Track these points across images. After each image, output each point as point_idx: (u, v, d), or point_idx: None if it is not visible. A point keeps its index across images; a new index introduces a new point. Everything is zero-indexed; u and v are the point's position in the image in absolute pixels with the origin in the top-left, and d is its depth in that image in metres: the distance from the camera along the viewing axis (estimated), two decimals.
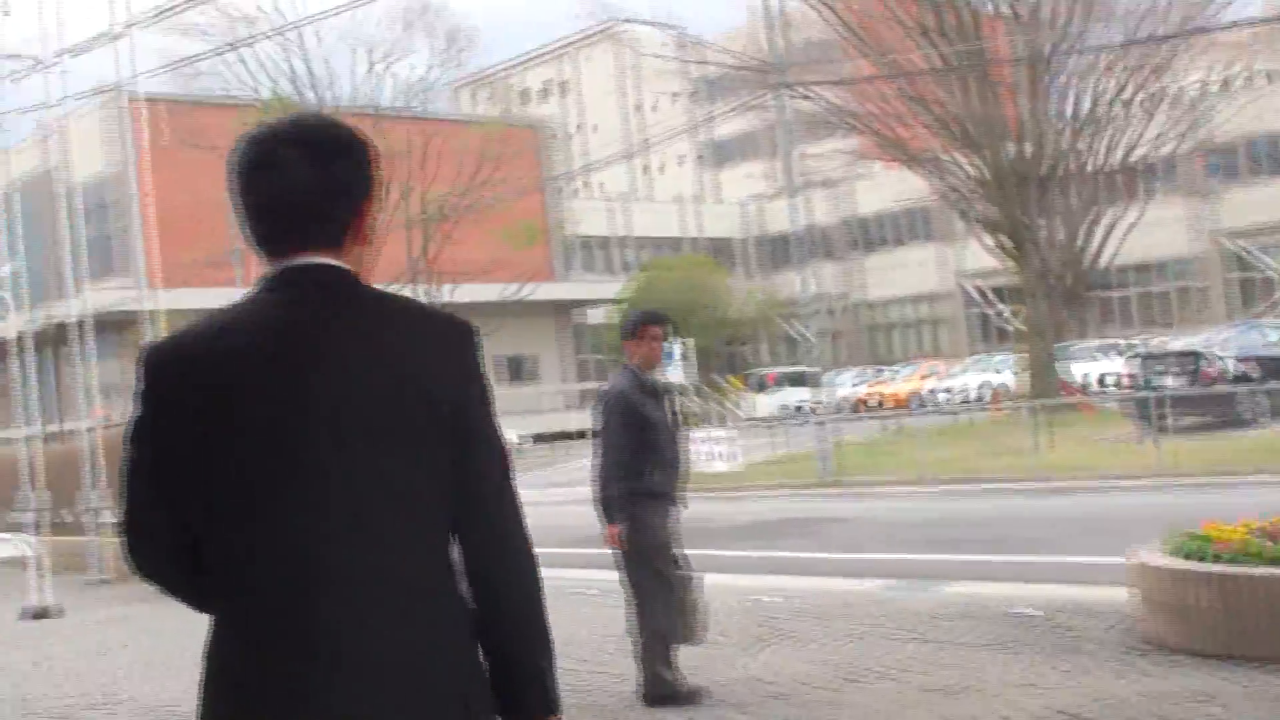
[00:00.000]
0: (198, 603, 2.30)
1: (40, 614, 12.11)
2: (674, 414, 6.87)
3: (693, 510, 7.39)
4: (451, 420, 2.21)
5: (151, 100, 48.30)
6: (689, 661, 7.08)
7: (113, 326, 46.05)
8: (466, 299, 43.84)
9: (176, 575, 2.31)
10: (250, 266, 43.10)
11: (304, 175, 2.24)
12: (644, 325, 6.86)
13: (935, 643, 7.91)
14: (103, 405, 46.73)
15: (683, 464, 6.94)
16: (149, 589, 2.43)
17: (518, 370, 57.07)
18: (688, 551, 7.05)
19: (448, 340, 2.28)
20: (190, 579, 2.28)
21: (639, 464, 6.63)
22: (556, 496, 19.36)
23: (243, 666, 2.16)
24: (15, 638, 11.42)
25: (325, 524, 2.14)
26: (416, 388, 2.19)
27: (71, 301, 42.90)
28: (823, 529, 15.72)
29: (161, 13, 22.65)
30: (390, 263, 38.54)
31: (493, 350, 39.01)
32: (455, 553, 2.25)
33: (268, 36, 37.14)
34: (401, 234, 38.69)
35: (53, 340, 47.72)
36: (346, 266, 2.28)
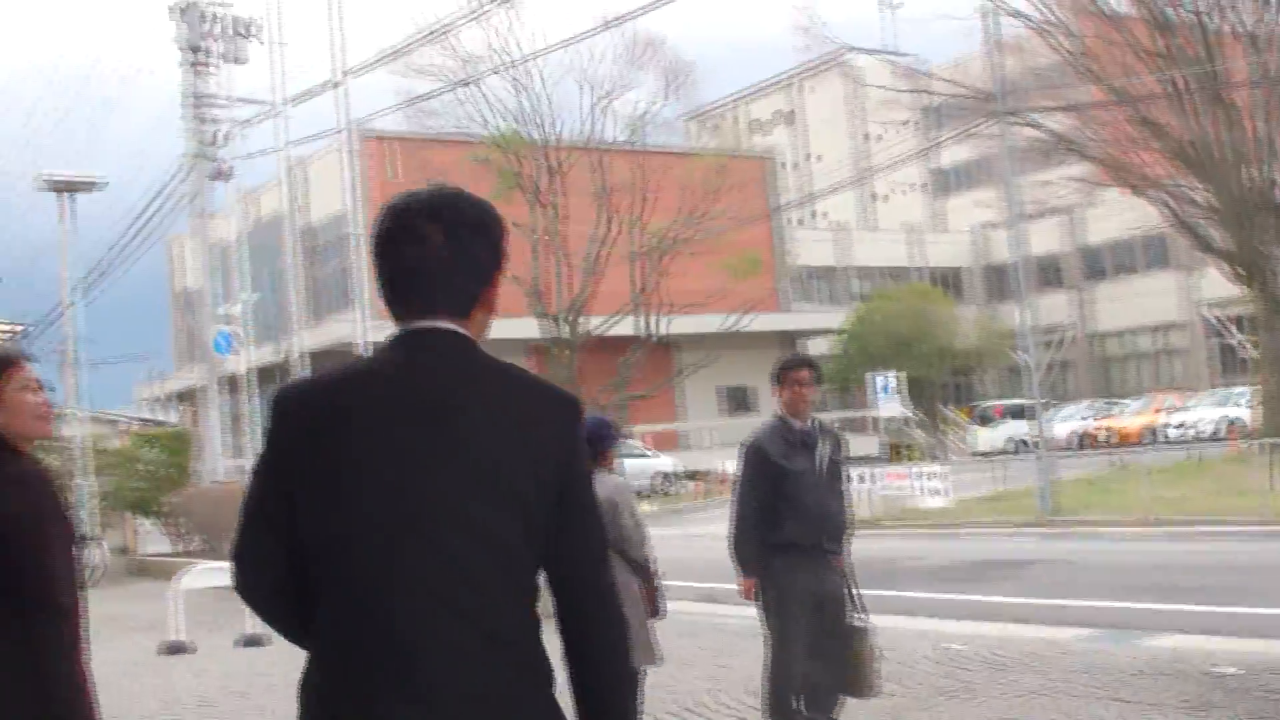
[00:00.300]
0: (296, 636, 2.46)
1: (251, 641, 12.58)
2: (829, 461, 6.53)
3: (899, 548, 7.20)
4: (558, 489, 2.36)
5: (383, 139, 50.33)
6: (858, 715, 6.91)
7: (343, 358, 48.01)
8: (689, 329, 44.11)
9: (277, 607, 2.49)
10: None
11: (440, 249, 2.40)
12: (785, 371, 6.61)
13: (1124, 702, 7.54)
14: None
15: (832, 513, 6.51)
16: None
17: (739, 401, 57.08)
18: (880, 593, 6.82)
19: (559, 414, 2.42)
20: (290, 612, 2.44)
21: (774, 515, 6.44)
22: None
23: (334, 702, 2.29)
24: (217, 664, 11.93)
25: (421, 571, 2.27)
26: (528, 454, 2.33)
27: (298, 337, 44.80)
28: (1030, 571, 15.18)
29: (385, 56, 23.49)
30: (614, 295, 39.08)
31: (714, 381, 39.31)
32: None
33: (495, 72, 38.15)
34: (625, 267, 39.19)
35: (281, 374, 50.02)
36: (467, 333, 2.43)
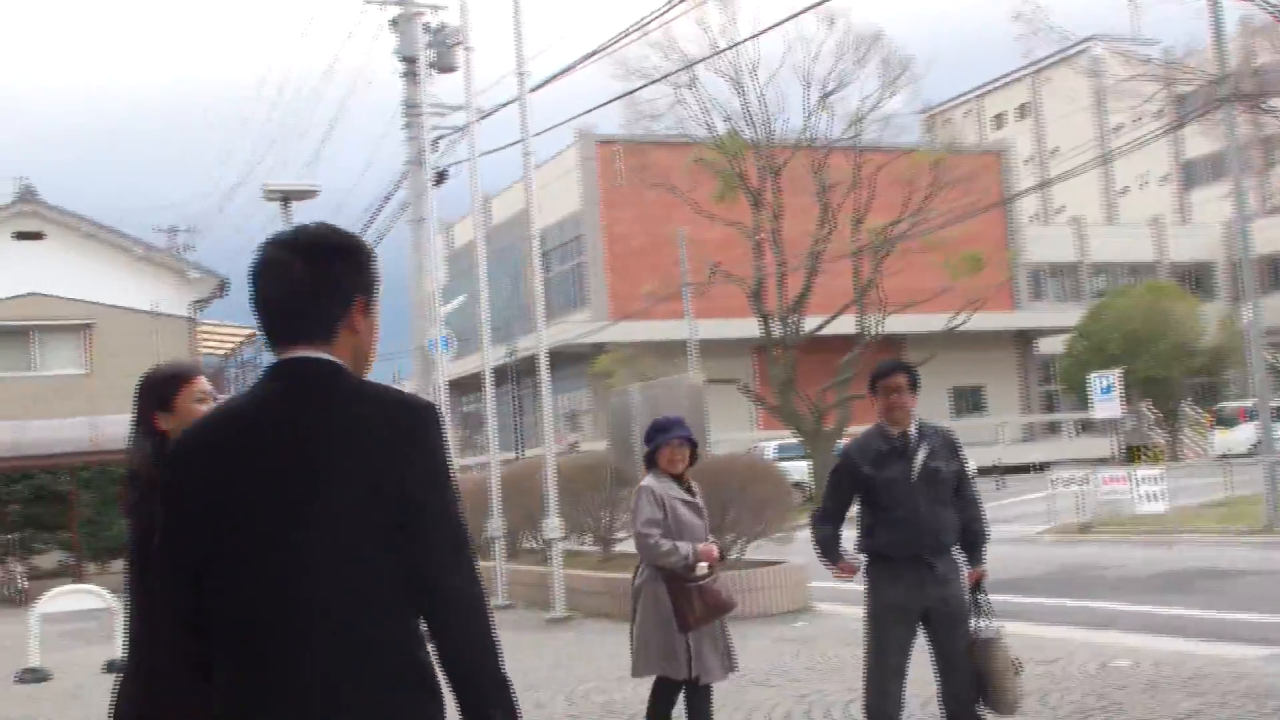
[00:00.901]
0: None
1: None
2: (928, 468, 6.13)
3: (1101, 555, 6.81)
4: (400, 495, 2.44)
5: (608, 142, 50.98)
6: None
7: (572, 359, 48.78)
8: (915, 328, 43.30)
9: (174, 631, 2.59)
10: (695, 301, 44.57)
11: (299, 278, 2.57)
12: (878, 378, 6.32)
13: None
14: (564, 433, 49.50)
15: (928, 523, 6.12)
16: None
17: (970, 402, 55.74)
18: (1065, 602, 6.48)
19: (400, 423, 2.51)
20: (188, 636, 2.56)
21: (869, 525, 6.25)
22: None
23: (232, 714, 2.46)
24: None
25: (286, 593, 2.42)
26: (371, 467, 2.45)
27: (532, 336, 45.54)
28: (1236, 584, 14.28)
29: (589, 56, 23.69)
30: (836, 295, 38.63)
31: (944, 381, 38.27)
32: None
33: (713, 72, 38.18)
34: (846, 265, 38.73)
35: (520, 373, 51.12)
36: (333, 358, 2.57)
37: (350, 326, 2.61)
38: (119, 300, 30.83)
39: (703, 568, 6.63)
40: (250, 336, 37.92)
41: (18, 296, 30.24)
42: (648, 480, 6.88)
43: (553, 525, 15.07)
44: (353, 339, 2.62)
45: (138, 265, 31.40)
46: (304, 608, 2.41)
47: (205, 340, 37.70)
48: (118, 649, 12.59)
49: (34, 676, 12.40)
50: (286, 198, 24.31)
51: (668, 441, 6.86)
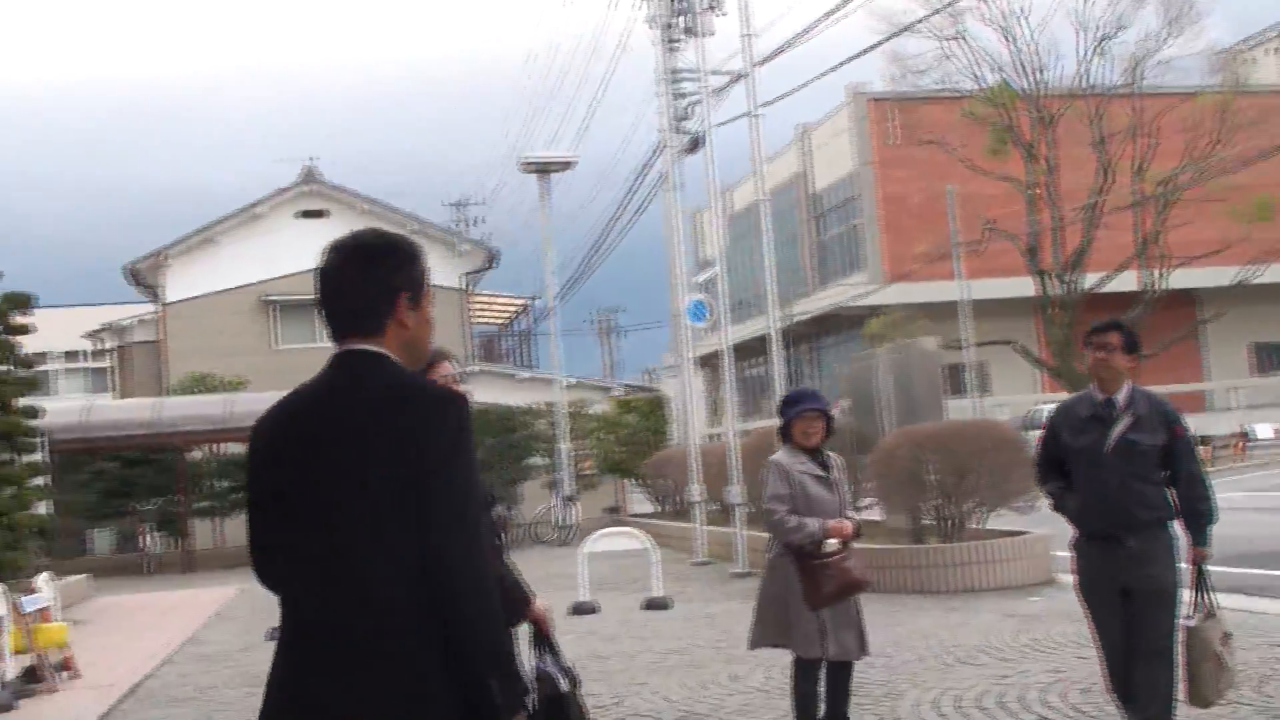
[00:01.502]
0: None
1: (654, 605, 12.90)
2: (1124, 440, 5.75)
3: None
4: (414, 475, 2.70)
5: (880, 100, 49.99)
6: None
7: (847, 322, 48.21)
8: (1211, 282, 40.91)
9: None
10: (972, 261, 43.24)
11: (347, 278, 2.95)
12: (1091, 334, 5.96)
13: None
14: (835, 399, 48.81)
15: (1117, 498, 5.73)
16: None
17: (1273, 358, 52.33)
18: None
19: (419, 411, 2.78)
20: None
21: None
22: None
23: (276, 681, 2.82)
24: (615, 628, 12.34)
25: (315, 564, 2.76)
26: (389, 449, 2.73)
27: (808, 300, 45.19)
28: None
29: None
30: (1117, 248, 36.92)
31: (1239, 337, 36.00)
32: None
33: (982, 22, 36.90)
34: (1129, 217, 36.93)
35: (797, 338, 50.85)
36: (380, 350, 2.89)
37: (398, 321, 2.91)
38: None
39: (832, 544, 6.43)
40: (524, 307, 39.01)
41: (303, 272, 31.84)
42: (778, 455, 6.71)
43: (734, 492, 15.46)
44: (401, 332, 2.92)
45: (413, 239, 32.57)
46: (327, 566, 2.72)
47: (479, 311, 38.96)
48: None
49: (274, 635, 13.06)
50: (544, 169, 24.78)
51: (800, 414, 6.65)
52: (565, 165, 24.88)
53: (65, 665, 11.08)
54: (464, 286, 33.13)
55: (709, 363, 63.59)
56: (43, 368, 40.53)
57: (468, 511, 2.74)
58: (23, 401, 19.47)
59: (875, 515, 16.79)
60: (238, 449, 27.28)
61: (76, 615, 16.94)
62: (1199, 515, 5.84)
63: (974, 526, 13.95)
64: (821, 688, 6.62)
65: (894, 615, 11.69)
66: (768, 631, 6.67)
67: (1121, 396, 5.84)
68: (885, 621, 11.27)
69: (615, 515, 27.33)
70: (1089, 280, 37.34)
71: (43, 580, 11.68)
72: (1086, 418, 5.88)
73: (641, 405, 28.76)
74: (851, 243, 56.24)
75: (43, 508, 19.63)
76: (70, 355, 41.21)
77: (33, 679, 10.60)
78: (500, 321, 43.72)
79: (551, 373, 34.48)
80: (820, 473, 6.61)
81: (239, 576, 15.88)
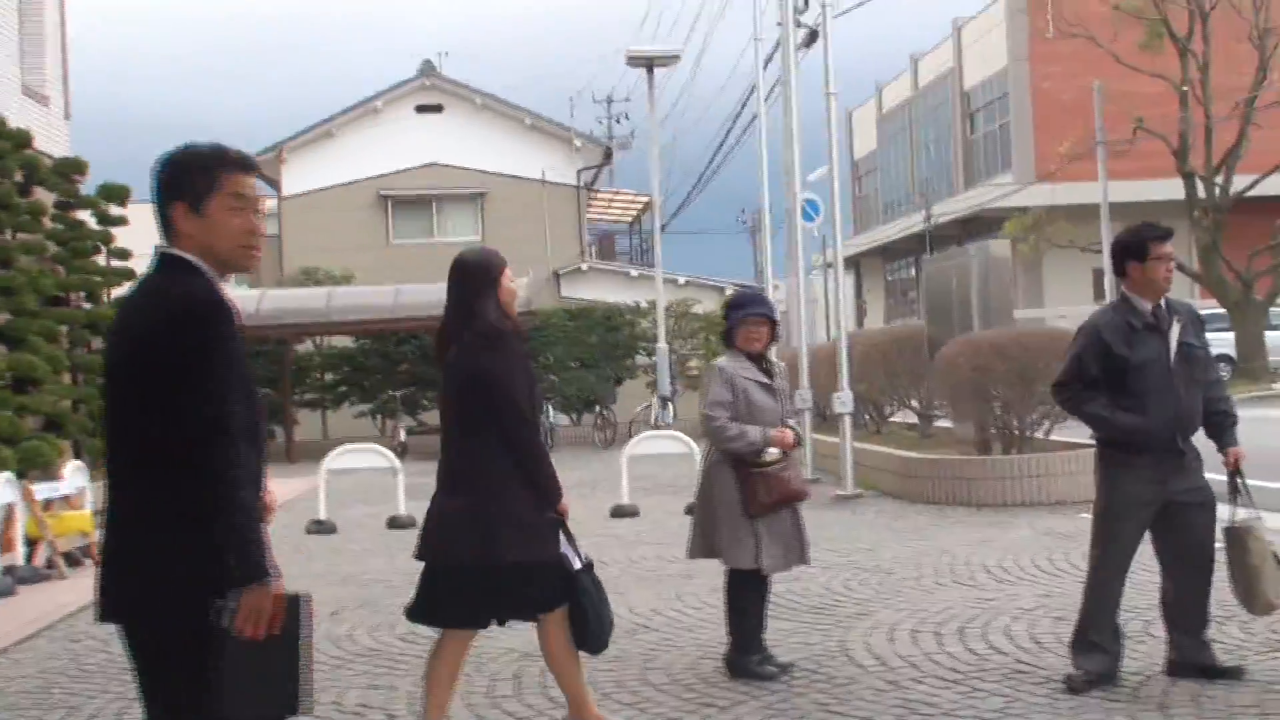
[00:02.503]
0: None
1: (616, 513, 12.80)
2: (1183, 346, 5.64)
3: None
4: (157, 369, 3.09)
5: None
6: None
7: (992, 223, 46.68)
8: None
9: None
10: (1121, 161, 41.23)
11: (153, 187, 3.33)
12: (1147, 241, 5.71)
13: None
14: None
15: (1187, 408, 5.67)
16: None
17: None
18: None
19: (149, 314, 3.18)
20: None
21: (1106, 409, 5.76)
22: None
23: None
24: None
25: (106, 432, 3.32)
26: (138, 344, 3.17)
27: (953, 201, 43.72)
28: None
29: None
30: (1273, 150, 34.84)
31: None
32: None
33: None
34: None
35: (939, 239, 49.44)
36: (175, 253, 3.26)
37: (179, 230, 3.25)
38: (511, 169, 31.96)
39: (773, 453, 6.19)
40: (648, 205, 38.47)
41: (420, 167, 31.96)
42: (722, 360, 6.49)
43: (843, 399, 14.36)
44: (187, 240, 3.25)
45: (528, 134, 32.42)
46: (108, 445, 3.25)
47: (603, 208, 38.66)
48: (400, 506, 13.16)
49: (320, 528, 13.07)
50: (650, 64, 24.18)
51: (744, 319, 6.35)
52: (671, 58, 24.22)
53: (89, 552, 11.23)
54: (580, 183, 32.83)
55: (854, 264, 62.50)
56: None
57: (207, 407, 3.05)
58: (118, 292, 19.86)
59: (946, 424, 16.18)
60: (344, 342, 27.61)
61: None
62: (1229, 415, 5.84)
63: (1039, 437, 13.27)
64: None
65: (925, 529, 11.21)
66: (705, 542, 6.39)
67: (1164, 305, 5.72)
68: (912, 535, 10.82)
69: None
70: (1240, 182, 35.31)
71: (70, 469, 11.82)
72: (1140, 329, 5.66)
73: None
74: (1001, 142, 54.28)
75: None
76: None
77: (51, 566, 10.78)
78: (628, 219, 43.33)
79: (668, 271, 34.12)
80: (764, 380, 6.34)
81: None
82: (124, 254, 20.28)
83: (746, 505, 6.14)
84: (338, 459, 13.75)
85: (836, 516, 12.42)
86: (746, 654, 6.24)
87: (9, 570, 9.98)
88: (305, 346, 26.98)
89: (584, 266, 32.38)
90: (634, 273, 30.03)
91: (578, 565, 5.04)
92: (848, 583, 8.60)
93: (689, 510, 7.46)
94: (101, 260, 19.53)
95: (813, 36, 26.29)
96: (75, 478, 11.73)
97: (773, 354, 6.69)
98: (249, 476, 3.12)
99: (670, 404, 23.93)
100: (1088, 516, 11.68)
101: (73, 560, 11.05)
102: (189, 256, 3.20)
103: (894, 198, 65.32)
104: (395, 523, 13.07)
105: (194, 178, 3.23)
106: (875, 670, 6.22)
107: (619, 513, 13.05)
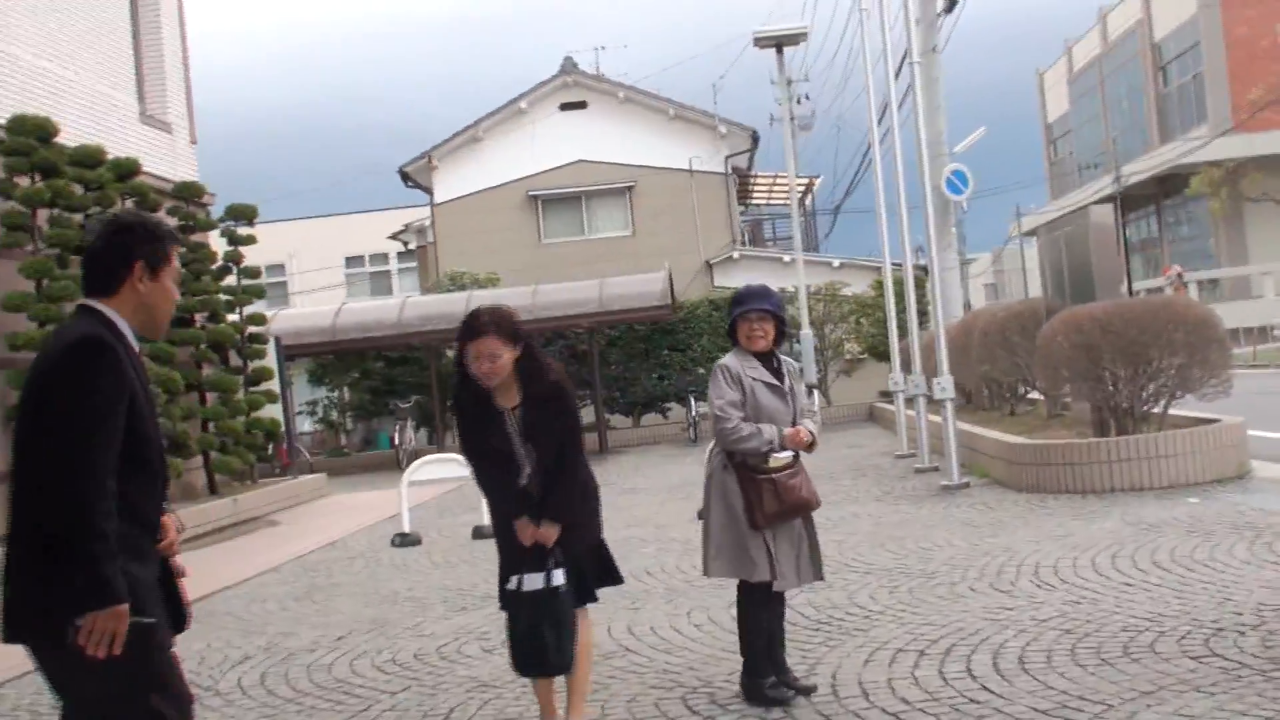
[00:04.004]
0: None
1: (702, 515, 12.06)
2: None
3: None
4: (42, 405, 3.34)
5: None
6: None
7: (1184, 180, 44.28)
8: None
9: None
10: None
11: (94, 247, 3.62)
12: None
13: None
14: (1170, 263, 45.29)
15: None
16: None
17: None
18: None
19: (51, 353, 3.41)
20: None
21: None
22: None
23: None
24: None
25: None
26: (33, 385, 3.40)
27: (1144, 160, 41.58)
28: None
29: None
30: None
31: None
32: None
33: None
34: None
35: (1137, 200, 47.15)
36: (96, 306, 3.51)
37: (128, 284, 3.53)
38: (657, 161, 31.59)
39: (783, 457, 5.72)
40: (810, 185, 37.64)
41: (566, 165, 31.84)
42: (726, 358, 5.92)
43: (942, 384, 13.52)
44: (139, 296, 3.53)
45: (671, 125, 31.97)
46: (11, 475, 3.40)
47: (762, 192, 37.92)
48: (484, 516, 12.88)
49: (405, 541, 12.91)
50: (779, 44, 23.51)
51: (743, 315, 5.83)
52: (799, 37, 23.49)
53: None
54: (728, 170, 32.20)
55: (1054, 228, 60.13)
56: (356, 270, 42.51)
57: (70, 441, 3.24)
58: (250, 309, 20.20)
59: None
60: None
61: (281, 516, 17.56)
62: None
63: (1155, 411, 12.24)
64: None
65: (1008, 522, 10.41)
66: (725, 558, 5.81)
67: None
68: (990, 531, 10.06)
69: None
70: None
71: None
72: None
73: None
74: (1194, 94, 51.44)
75: (275, 411, 20.34)
76: (374, 258, 42.97)
77: None
78: (785, 202, 42.48)
79: (826, 254, 33.27)
80: (772, 380, 5.83)
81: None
82: (253, 272, 20.63)
83: (752, 515, 5.65)
84: (420, 470, 13.55)
85: (928, 511, 11.66)
86: (757, 676, 5.71)
87: None
88: (450, 351, 27.13)
89: (735, 254, 31.77)
90: (788, 258, 29.25)
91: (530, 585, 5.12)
92: (875, 592, 7.93)
93: (700, 515, 6.94)
94: (231, 279, 19.89)
95: (952, 3, 25.23)
96: None
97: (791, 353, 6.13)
98: (120, 505, 3.29)
99: (814, 391, 23.19)
100: (1195, 501, 10.77)
101: None
102: (102, 309, 3.49)
103: (1088, 160, 62.64)
104: (479, 533, 12.85)
105: (155, 244, 3.57)
106: (821, 702, 5.60)
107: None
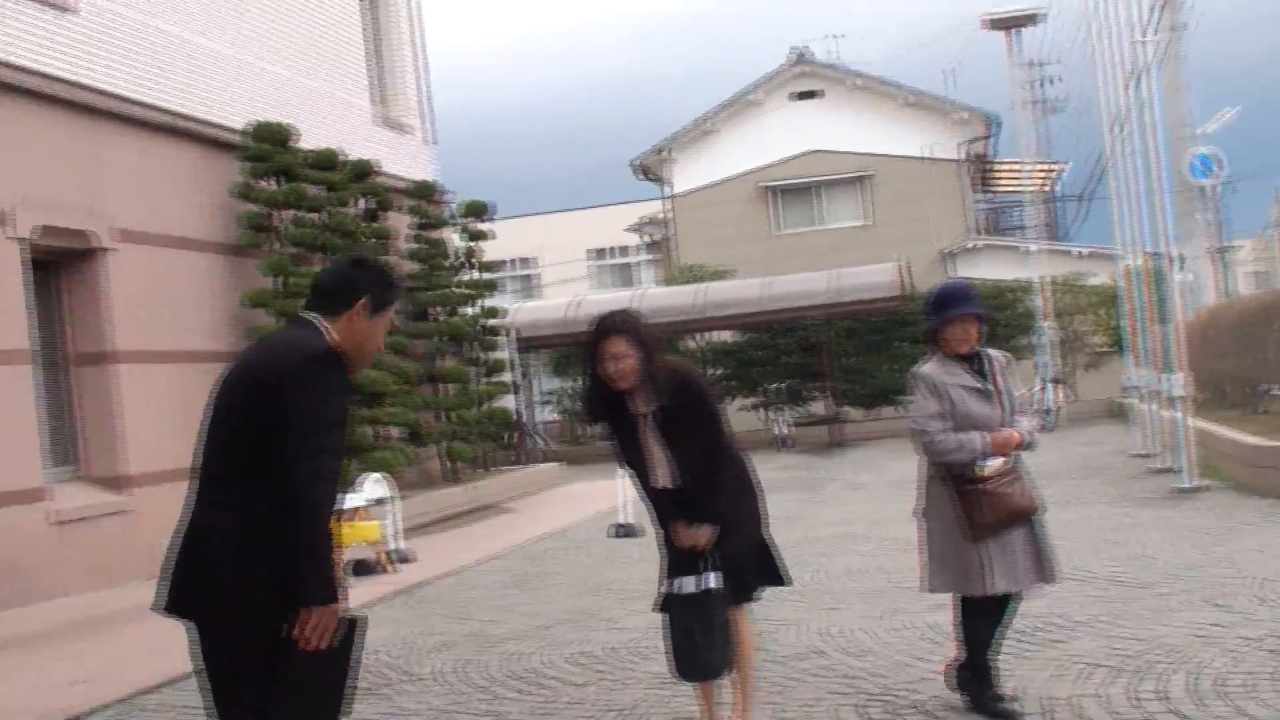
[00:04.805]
0: None
1: None
2: None
3: None
4: (273, 408, 3.50)
5: None
6: None
7: None
8: None
9: None
10: None
11: (335, 271, 3.99)
12: None
13: None
14: None
15: None
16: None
17: None
18: None
19: (282, 361, 3.61)
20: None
21: None
22: None
23: None
24: None
25: (202, 466, 3.72)
26: (257, 386, 3.59)
27: None
28: None
29: None
30: None
31: None
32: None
33: None
34: None
35: None
36: (312, 315, 3.75)
37: (348, 316, 3.73)
38: (891, 149, 31.12)
39: (993, 464, 5.42)
40: (1055, 171, 36.41)
41: (800, 155, 31.65)
42: (926, 366, 5.62)
43: (1174, 382, 12.97)
44: (353, 330, 3.73)
45: (905, 112, 31.42)
46: (210, 464, 3.65)
47: (1001, 178, 36.86)
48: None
49: (623, 532, 13.11)
50: (1009, 26, 22.91)
51: (952, 320, 5.50)
52: (1030, 19, 22.75)
53: (379, 560, 11.76)
54: (963, 157, 31.42)
55: None
56: (601, 262, 43.19)
57: (309, 439, 3.45)
58: (487, 303, 20.79)
59: None
60: (724, 337, 27.78)
61: (515, 504, 18.01)
62: None
63: None
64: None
65: (1237, 530, 10.02)
66: (948, 573, 5.58)
67: None
68: (1217, 539, 9.63)
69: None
70: None
71: (370, 481, 12.34)
72: None
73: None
74: None
75: (511, 401, 20.93)
76: (618, 251, 43.55)
77: (365, 571, 11.44)
78: (1035, 189, 41.15)
79: (1070, 244, 32.17)
80: (975, 384, 5.52)
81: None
82: (490, 266, 21.24)
83: (967, 527, 5.40)
84: None
85: (1155, 516, 11.21)
86: (983, 685, 5.55)
87: None
88: (689, 344, 27.35)
89: (973, 244, 31.01)
90: (1032, 247, 28.40)
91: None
92: (1082, 601, 7.66)
93: (913, 514, 6.64)
94: (468, 274, 20.51)
95: None
96: (372, 489, 12.27)
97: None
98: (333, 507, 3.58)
99: (1050, 387, 22.49)
100: None
101: (365, 569, 11.58)
102: (322, 325, 3.71)
103: None
104: (622, 531, 13.03)
105: (385, 290, 3.81)
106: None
107: None
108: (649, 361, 5.09)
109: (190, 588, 3.59)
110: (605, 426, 5.38)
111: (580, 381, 29.14)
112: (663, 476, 5.23)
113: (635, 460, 5.28)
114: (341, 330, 3.71)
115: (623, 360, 5.05)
